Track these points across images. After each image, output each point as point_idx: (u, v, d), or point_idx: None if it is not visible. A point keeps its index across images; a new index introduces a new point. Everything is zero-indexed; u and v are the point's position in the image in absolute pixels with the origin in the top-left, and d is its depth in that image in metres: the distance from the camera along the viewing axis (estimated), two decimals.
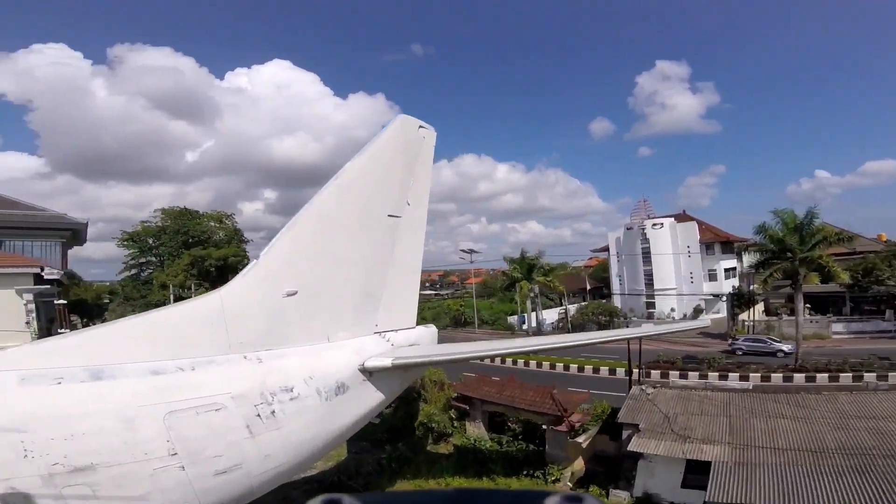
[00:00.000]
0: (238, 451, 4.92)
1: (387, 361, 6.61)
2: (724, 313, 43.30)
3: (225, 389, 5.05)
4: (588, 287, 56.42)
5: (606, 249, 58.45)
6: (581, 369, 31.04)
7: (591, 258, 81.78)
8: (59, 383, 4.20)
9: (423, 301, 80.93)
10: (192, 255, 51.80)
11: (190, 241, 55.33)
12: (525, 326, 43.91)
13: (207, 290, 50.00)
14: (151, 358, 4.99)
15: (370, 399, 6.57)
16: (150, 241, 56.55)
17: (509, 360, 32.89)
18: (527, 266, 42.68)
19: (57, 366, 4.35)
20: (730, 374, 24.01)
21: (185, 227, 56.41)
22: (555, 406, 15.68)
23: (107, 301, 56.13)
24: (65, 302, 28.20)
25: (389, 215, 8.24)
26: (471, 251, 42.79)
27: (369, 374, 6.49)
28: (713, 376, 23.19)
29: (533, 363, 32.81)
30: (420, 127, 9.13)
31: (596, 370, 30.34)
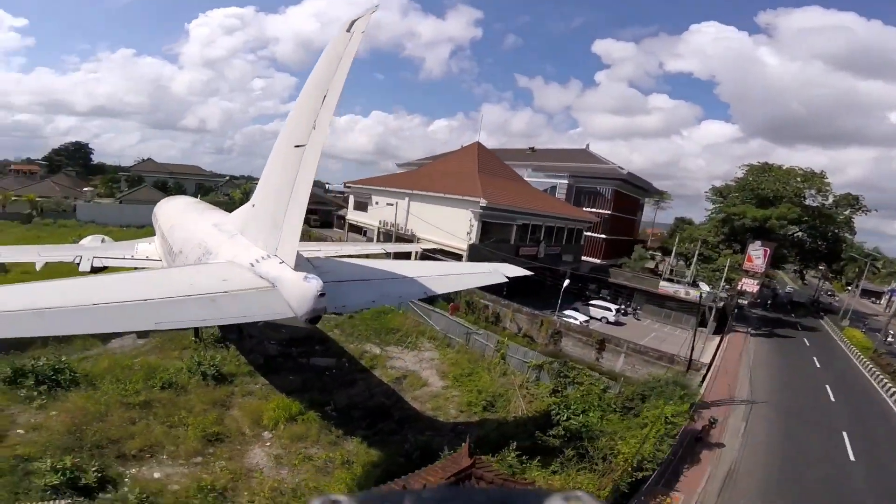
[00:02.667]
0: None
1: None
2: None
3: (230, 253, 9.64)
4: None
5: None
6: None
7: None
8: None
9: None
10: (726, 211, 48.74)
11: (770, 197, 48.36)
12: None
13: (734, 252, 45.83)
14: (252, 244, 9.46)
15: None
16: (736, 195, 51.69)
17: None
18: None
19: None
20: None
21: (759, 182, 49.91)
22: None
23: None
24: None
25: (296, 146, 8.17)
26: None
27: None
28: None
29: None
30: (353, 22, 7.32)
31: None
